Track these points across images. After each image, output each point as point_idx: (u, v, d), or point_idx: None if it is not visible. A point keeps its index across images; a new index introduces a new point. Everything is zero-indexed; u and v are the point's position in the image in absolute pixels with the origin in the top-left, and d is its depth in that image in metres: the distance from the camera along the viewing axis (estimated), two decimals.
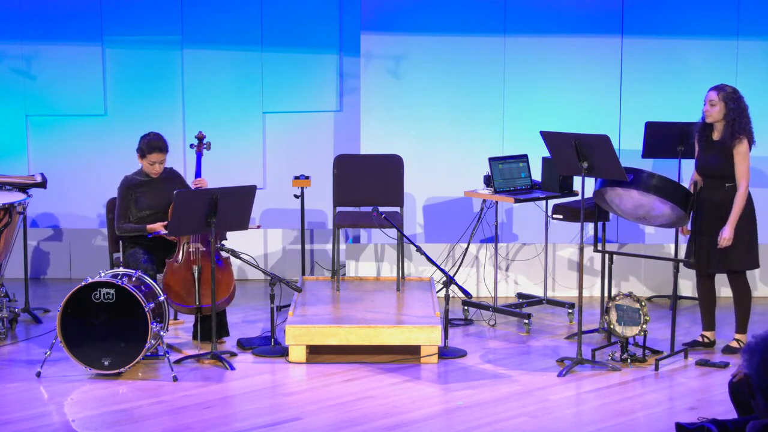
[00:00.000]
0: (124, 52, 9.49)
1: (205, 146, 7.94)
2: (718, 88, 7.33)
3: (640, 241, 9.12)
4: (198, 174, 7.76)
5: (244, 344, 7.60)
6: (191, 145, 7.93)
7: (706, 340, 7.57)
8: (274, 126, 9.62)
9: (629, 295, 7.18)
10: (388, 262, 9.23)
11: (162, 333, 7.03)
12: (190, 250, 7.50)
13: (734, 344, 7.52)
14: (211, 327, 7.27)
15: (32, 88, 9.49)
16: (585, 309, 7.61)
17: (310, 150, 9.57)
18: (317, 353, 7.34)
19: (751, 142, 7.30)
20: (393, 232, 8.67)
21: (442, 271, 7.48)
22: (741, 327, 7.53)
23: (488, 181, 8.28)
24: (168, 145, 7.68)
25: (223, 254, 7.43)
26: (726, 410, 5.77)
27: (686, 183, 7.74)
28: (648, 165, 8.60)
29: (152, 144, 7.60)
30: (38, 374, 6.93)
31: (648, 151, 8.61)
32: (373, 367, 7.15)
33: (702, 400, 6.59)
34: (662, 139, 8.46)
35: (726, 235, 7.22)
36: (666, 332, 7.71)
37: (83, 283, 6.87)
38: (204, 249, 7.49)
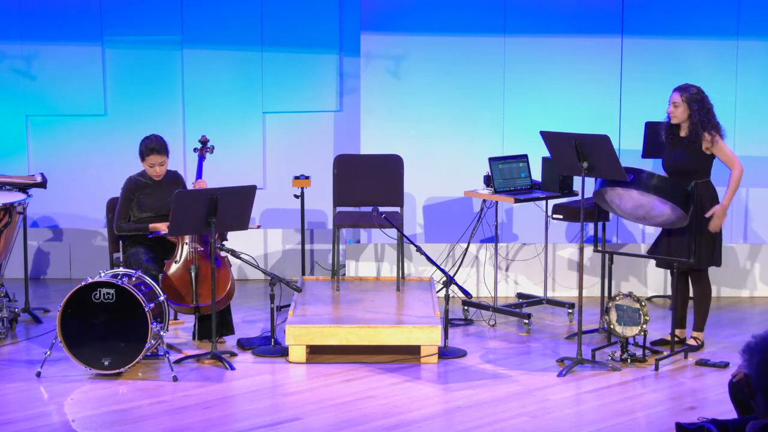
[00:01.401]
0: (124, 52, 9.49)
1: (208, 150, 7.94)
2: (681, 89, 7.30)
3: (640, 241, 9.12)
4: (199, 176, 7.76)
5: (244, 344, 7.59)
6: (195, 149, 7.93)
7: (676, 338, 7.52)
8: (274, 126, 9.61)
9: (629, 295, 7.17)
10: (388, 262, 9.23)
11: (162, 333, 7.03)
12: (189, 249, 7.50)
13: (692, 342, 7.52)
14: (213, 326, 7.28)
15: (32, 88, 9.49)
16: (585, 309, 7.60)
17: (310, 150, 9.57)
18: (317, 353, 7.34)
19: (721, 135, 7.24)
20: (393, 232, 8.67)
21: (442, 271, 7.48)
22: (699, 325, 7.52)
23: (488, 181, 8.28)
24: (168, 148, 7.67)
25: (222, 254, 7.43)
26: (726, 410, 5.76)
27: None
28: (648, 165, 8.59)
29: (150, 146, 7.60)
30: (38, 374, 6.93)
31: (648, 151, 8.61)
32: (373, 367, 7.14)
33: (702, 400, 6.59)
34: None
35: (719, 212, 7.19)
36: (666, 332, 7.70)
37: (83, 283, 6.87)
38: (201, 249, 7.49)
